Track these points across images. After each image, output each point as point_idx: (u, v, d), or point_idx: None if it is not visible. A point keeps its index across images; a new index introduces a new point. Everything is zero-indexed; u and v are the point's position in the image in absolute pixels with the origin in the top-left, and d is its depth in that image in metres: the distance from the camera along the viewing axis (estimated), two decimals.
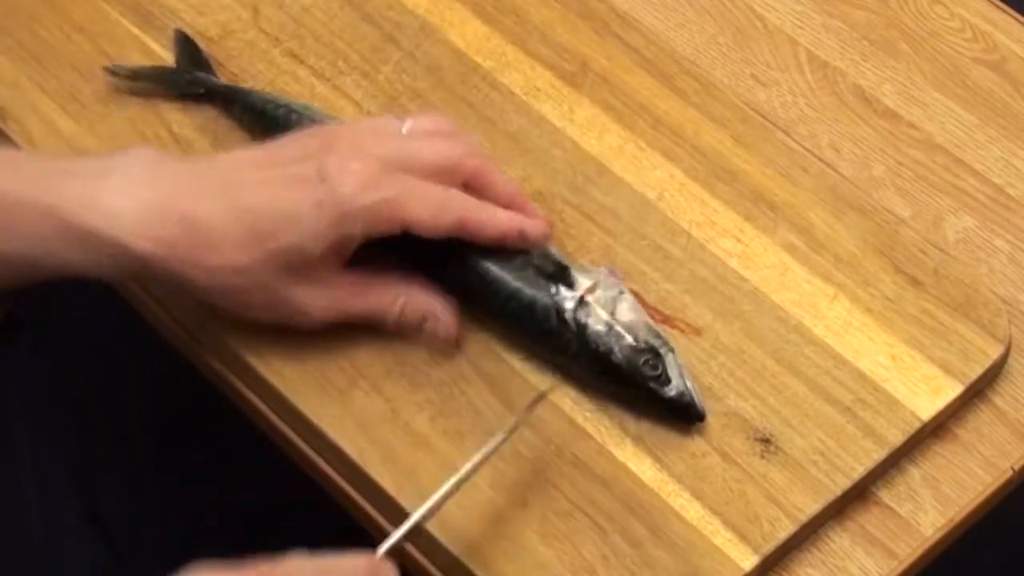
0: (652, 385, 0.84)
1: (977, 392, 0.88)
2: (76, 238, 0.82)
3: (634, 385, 0.84)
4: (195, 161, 0.88)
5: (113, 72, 0.96)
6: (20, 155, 0.92)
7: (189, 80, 0.96)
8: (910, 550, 0.83)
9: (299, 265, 0.83)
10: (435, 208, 0.83)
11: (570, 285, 0.86)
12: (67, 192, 0.82)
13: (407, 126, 0.87)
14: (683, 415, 0.84)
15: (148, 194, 0.82)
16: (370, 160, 0.83)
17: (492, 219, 0.85)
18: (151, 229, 0.81)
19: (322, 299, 0.84)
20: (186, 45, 0.97)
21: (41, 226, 0.82)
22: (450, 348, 0.86)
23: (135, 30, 0.99)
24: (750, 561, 0.81)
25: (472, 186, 0.86)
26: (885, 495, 0.85)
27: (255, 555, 0.72)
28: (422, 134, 0.87)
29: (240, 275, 0.82)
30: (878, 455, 0.84)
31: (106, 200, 0.82)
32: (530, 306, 0.85)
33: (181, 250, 0.82)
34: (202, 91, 0.96)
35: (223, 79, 0.96)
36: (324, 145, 0.84)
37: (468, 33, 1.00)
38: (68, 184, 0.83)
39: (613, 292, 0.86)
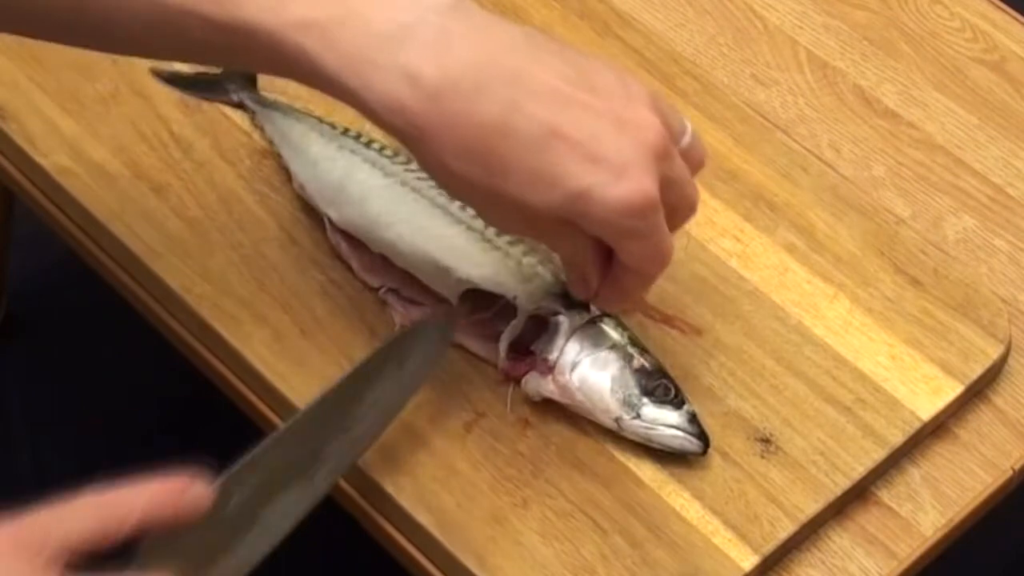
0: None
1: (977, 392, 0.88)
2: (327, 87, 0.75)
3: None
4: (498, 39, 0.76)
5: (156, 75, 0.96)
6: None
7: (229, 89, 0.96)
8: (910, 550, 0.83)
9: (519, 210, 0.75)
10: (651, 260, 0.78)
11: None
12: (328, 35, 0.74)
13: (687, 139, 0.80)
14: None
15: (420, 67, 0.73)
16: (656, 184, 0.75)
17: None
18: (409, 112, 0.74)
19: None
20: None
21: (288, 63, 0.75)
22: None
23: None
24: (750, 561, 0.81)
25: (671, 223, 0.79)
26: (885, 495, 0.85)
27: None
28: (692, 156, 0.80)
29: (470, 189, 0.76)
30: (878, 455, 0.84)
31: (373, 60, 0.74)
32: None
33: (431, 145, 0.74)
34: (236, 101, 0.96)
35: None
36: (635, 129, 0.75)
37: None
38: (330, 26, 0.74)
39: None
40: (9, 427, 1.33)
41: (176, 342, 0.91)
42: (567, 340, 0.84)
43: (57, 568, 0.66)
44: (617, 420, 0.83)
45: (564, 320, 0.84)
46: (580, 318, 0.84)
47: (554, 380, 0.84)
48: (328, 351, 0.87)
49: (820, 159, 0.96)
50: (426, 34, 0.74)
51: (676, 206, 0.78)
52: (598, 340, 0.84)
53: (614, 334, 0.85)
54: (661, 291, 0.89)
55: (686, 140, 0.79)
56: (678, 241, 0.91)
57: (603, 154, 0.74)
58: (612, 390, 0.83)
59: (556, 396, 0.84)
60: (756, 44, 1.02)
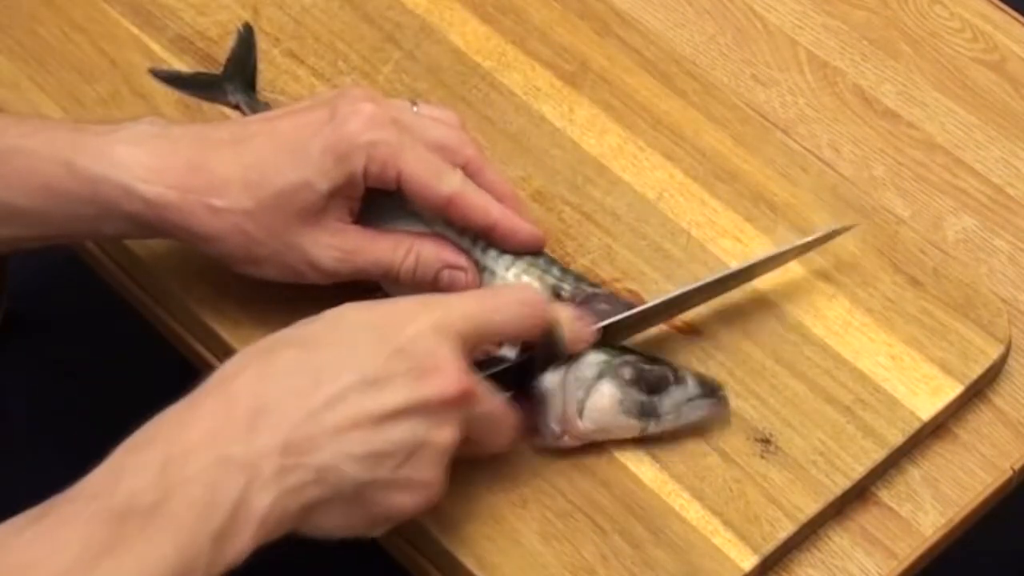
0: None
1: (977, 392, 0.88)
2: (87, 187, 0.82)
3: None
4: (206, 122, 0.90)
5: (155, 75, 0.96)
6: (34, 118, 0.93)
7: (227, 91, 0.96)
8: (910, 550, 0.83)
9: (307, 206, 0.83)
10: (434, 171, 0.84)
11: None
12: (79, 145, 0.83)
13: (417, 108, 0.88)
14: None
15: (157, 143, 0.83)
16: (380, 109, 0.83)
17: (486, 206, 0.85)
18: (160, 174, 0.82)
19: (332, 248, 0.84)
20: (241, 48, 0.98)
21: (52, 177, 0.82)
22: None
23: (135, 30, 0.99)
24: (750, 561, 0.81)
25: (466, 172, 0.85)
26: (885, 495, 0.85)
27: (256, 556, 0.72)
28: (429, 116, 0.87)
29: (248, 218, 0.82)
30: (878, 455, 0.84)
31: (117, 150, 0.83)
32: None
33: (190, 193, 0.82)
34: (234, 103, 0.96)
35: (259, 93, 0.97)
36: (337, 95, 0.85)
37: (468, 33, 1.00)
38: (80, 139, 0.83)
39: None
40: (10, 427, 1.33)
41: (176, 342, 0.91)
42: (562, 395, 0.82)
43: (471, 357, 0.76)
44: (643, 430, 0.83)
45: (550, 383, 0.82)
46: (558, 365, 0.82)
47: (568, 436, 0.83)
48: None
49: (820, 159, 0.96)
50: (144, 127, 0.86)
51: (432, 145, 0.85)
52: (585, 374, 0.83)
53: (594, 358, 0.83)
54: (661, 291, 0.89)
55: (417, 108, 0.88)
56: (678, 241, 0.91)
57: (320, 114, 0.84)
58: (625, 411, 0.82)
59: (578, 444, 0.83)
60: (756, 44, 1.02)
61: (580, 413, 0.82)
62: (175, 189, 0.82)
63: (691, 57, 1.01)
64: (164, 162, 0.83)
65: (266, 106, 0.95)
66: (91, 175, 0.82)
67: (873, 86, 1.00)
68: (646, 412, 0.83)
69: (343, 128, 0.83)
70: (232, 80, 0.96)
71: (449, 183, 0.84)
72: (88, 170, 0.82)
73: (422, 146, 0.84)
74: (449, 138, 0.86)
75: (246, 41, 0.98)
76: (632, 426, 0.83)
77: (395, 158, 0.83)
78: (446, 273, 0.85)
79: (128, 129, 0.84)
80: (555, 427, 0.82)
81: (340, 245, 0.84)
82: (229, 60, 0.97)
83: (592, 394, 0.82)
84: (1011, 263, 0.94)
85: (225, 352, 0.88)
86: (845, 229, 0.89)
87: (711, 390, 0.84)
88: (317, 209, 0.83)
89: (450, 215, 0.84)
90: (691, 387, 0.83)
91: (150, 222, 0.83)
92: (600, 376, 0.83)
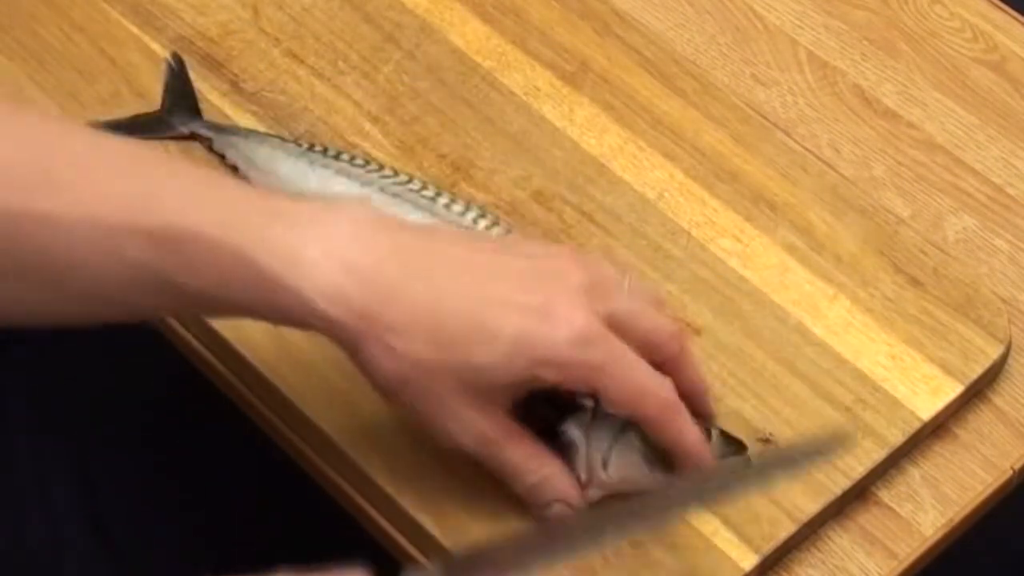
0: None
1: (977, 392, 0.88)
2: (265, 288, 0.75)
3: None
4: (416, 232, 0.80)
5: (107, 127, 0.94)
6: (195, 176, 0.82)
7: (175, 124, 0.94)
8: (910, 550, 0.83)
9: (478, 387, 0.77)
10: (633, 393, 0.78)
11: None
12: (258, 234, 0.75)
13: (628, 282, 0.81)
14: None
15: (354, 257, 0.76)
16: (594, 316, 0.77)
17: (682, 434, 0.79)
18: (348, 298, 0.75)
19: (479, 430, 0.78)
20: (175, 79, 0.96)
21: (223, 267, 0.75)
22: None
23: (135, 30, 0.99)
24: (750, 561, 0.81)
25: (665, 368, 0.80)
26: (885, 495, 0.85)
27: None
28: (640, 297, 0.81)
29: (417, 369, 0.76)
30: (878, 455, 0.84)
31: (308, 255, 0.75)
32: None
33: (373, 327, 0.76)
34: (187, 133, 0.95)
35: (208, 117, 0.95)
36: (556, 276, 0.78)
37: (468, 33, 1.00)
38: (260, 224, 0.76)
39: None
40: (9, 426, 1.33)
41: (176, 343, 0.91)
42: (586, 446, 0.80)
43: None
44: (668, 483, 0.81)
45: (575, 432, 0.81)
46: (585, 415, 0.81)
47: (593, 487, 0.80)
48: (329, 352, 0.86)
49: (820, 159, 0.96)
50: (346, 227, 0.76)
51: (642, 339, 0.78)
52: (611, 425, 0.81)
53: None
54: (661, 291, 0.89)
55: (628, 283, 0.81)
56: (678, 241, 0.91)
57: (531, 301, 0.77)
58: (649, 464, 0.80)
59: (601, 495, 0.81)
60: (756, 44, 1.02)
61: (605, 465, 0.80)
62: (360, 319, 0.76)
63: (691, 57, 1.01)
64: (356, 283, 0.75)
65: (229, 128, 0.94)
66: (272, 277, 0.75)
67: (873, 86, 1.00)
68: (671, 465, 0.80)
69: (550, 337, 0.76)
70: (175, 112, 0.95)
71: (649, 407, 0.78)
72: (268, 269, 0.75)
73: (630, 356, 0.78)
74: (659, 332, 0.80)
75: (177, 72, 0.96)
76: (656, 479, 0.81)
77: (594, 379, 0.77)
78: (557, 506, 0.81)
79: (324, 225, 0.76)
80: (581, 475, 0.80)
81: (485, 430, 0.78)
82: (166, 93, 0.95)
83: (617, 446, 0.80)
84: (1011, 263, 0.94)
85: (226, 353, 0.88)
86: (838, 445, 0.82)
87: (736, 448, 0.82)
88: (486, 393, 0.78)
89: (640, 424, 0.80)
90: (716, 444, 0.81)
91: (322, 332, 0.77)
92: (624, 429, 0.80)
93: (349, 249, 0.76)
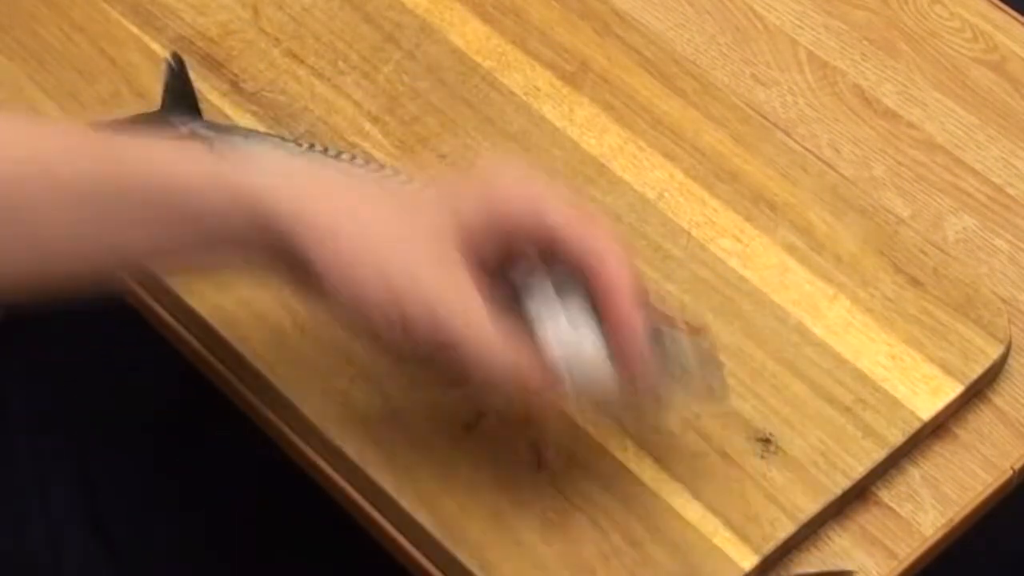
0: None
1: (977, 392, 0.88)
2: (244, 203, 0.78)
3: None
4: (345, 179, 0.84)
5: (107, 127, 0.94)
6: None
7: (175, 124, 0.94)
8: (910, 550, 0.83)
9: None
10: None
11: None
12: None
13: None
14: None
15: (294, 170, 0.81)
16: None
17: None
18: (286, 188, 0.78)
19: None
20: (175, 79, 0.96)
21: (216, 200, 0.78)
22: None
23: (135, 30, 0.99)
24: (750, 561, 0.81)
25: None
26: (885, 495, 0.85)
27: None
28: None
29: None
30: (878, 455, 0.84)
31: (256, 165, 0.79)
32: None
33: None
34: (187, 133, 0.95)
35: (207, 115, 0.95)
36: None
37: (468, 33, 1.00)
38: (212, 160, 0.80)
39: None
40: (9, 427, 1.33)
41: (176, 342, 0.91)
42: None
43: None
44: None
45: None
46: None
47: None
48: (328, 351, 0.87)
49: (820, 159, 0.96)
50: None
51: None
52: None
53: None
54: (661, 291, 0.89)
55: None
56: (678, 241, 0.91)
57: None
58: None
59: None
60: (756, 44, 1.02)
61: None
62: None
63: (691, 57, 1.01)
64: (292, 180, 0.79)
65: (228, 127, 0.94)
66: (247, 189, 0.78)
67: (873, 86, 1.00)
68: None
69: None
70: (175, 112, 0.95)
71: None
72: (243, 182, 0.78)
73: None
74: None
75: (177, 71, 0.97)
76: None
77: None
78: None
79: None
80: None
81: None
82: (166, 93, 0.95)
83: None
84: (1011, 263, 0.94)
85: (225, 352, 0.88)
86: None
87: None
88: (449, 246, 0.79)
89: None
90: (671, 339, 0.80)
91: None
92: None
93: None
